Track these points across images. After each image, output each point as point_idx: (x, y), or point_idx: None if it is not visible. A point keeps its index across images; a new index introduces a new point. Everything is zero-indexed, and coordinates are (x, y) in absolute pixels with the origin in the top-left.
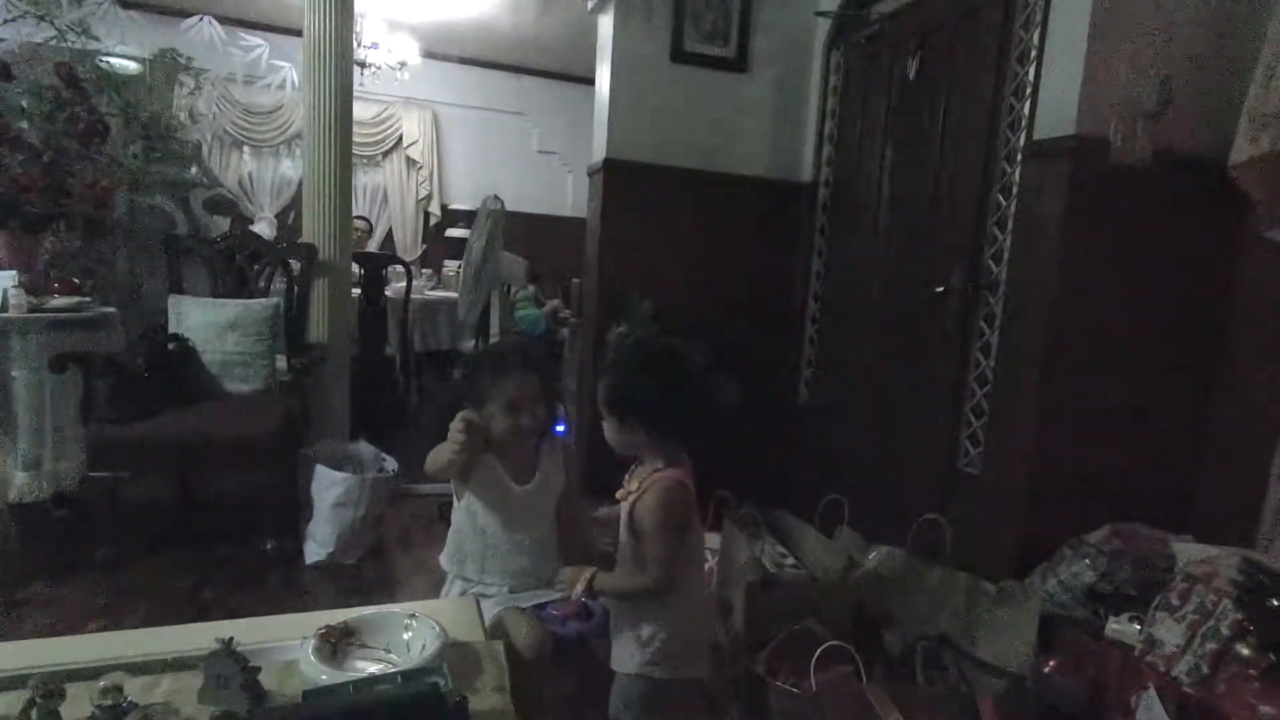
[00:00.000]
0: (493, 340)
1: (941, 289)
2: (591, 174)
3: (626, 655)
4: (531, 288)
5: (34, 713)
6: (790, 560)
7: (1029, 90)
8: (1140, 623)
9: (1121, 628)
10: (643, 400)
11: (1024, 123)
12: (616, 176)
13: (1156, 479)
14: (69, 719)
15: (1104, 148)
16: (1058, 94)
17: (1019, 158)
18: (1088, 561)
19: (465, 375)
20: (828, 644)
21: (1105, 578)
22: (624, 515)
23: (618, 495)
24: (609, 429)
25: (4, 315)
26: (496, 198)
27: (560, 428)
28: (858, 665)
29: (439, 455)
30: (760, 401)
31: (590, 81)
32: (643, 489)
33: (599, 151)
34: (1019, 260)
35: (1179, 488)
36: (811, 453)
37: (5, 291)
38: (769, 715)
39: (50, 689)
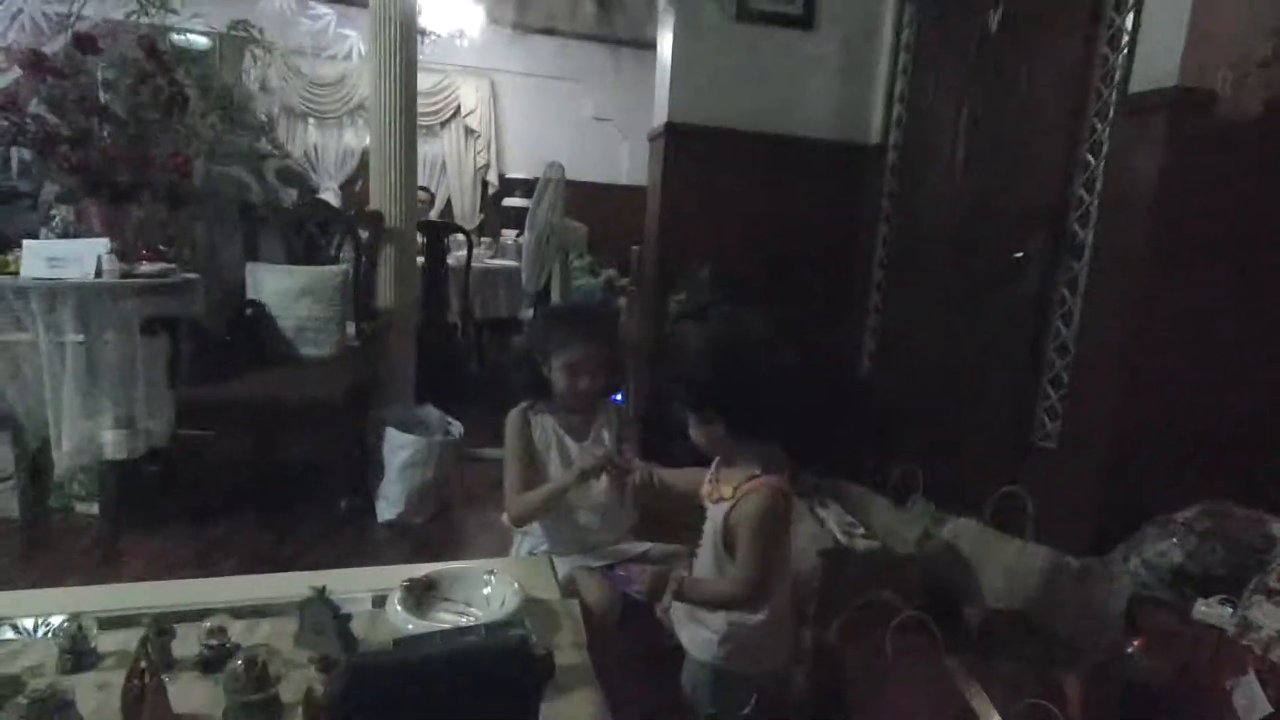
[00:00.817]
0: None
1: (1020, 255)
2: (652, 139)
3: (703, 642)
4: (588, 257)
5: (149, 648)
6: (860, 530)
7: (1126, 39)
8: (1233, 605)
9: (1211, 609)
10: (740, 402)
11: (1119, 75)
12: (678, 140)
13: (1250, 456)
14: (179, 655)
15: (1210, 100)
16: (1158, 43)
17: (1111, 114)
18: (1175, 540)
19: (535, 331)
20: (904, 614)
21: (1193, 558)
22: (715, 521)
23: (704, 493)
24: (697, 429)
25: (100, 281)
26: (558, 165)
27: (618, 396)
28: (935, 638)
29: (535, 498)
30: (821, 372)
31: (645, 46)
32: (740, 495)
33: (660, 115)
34: (1107, 224)
35: (1277, 465)
36: (874, 425)
37: (100, 258)
38: (843, 687)
39: (162, 628)
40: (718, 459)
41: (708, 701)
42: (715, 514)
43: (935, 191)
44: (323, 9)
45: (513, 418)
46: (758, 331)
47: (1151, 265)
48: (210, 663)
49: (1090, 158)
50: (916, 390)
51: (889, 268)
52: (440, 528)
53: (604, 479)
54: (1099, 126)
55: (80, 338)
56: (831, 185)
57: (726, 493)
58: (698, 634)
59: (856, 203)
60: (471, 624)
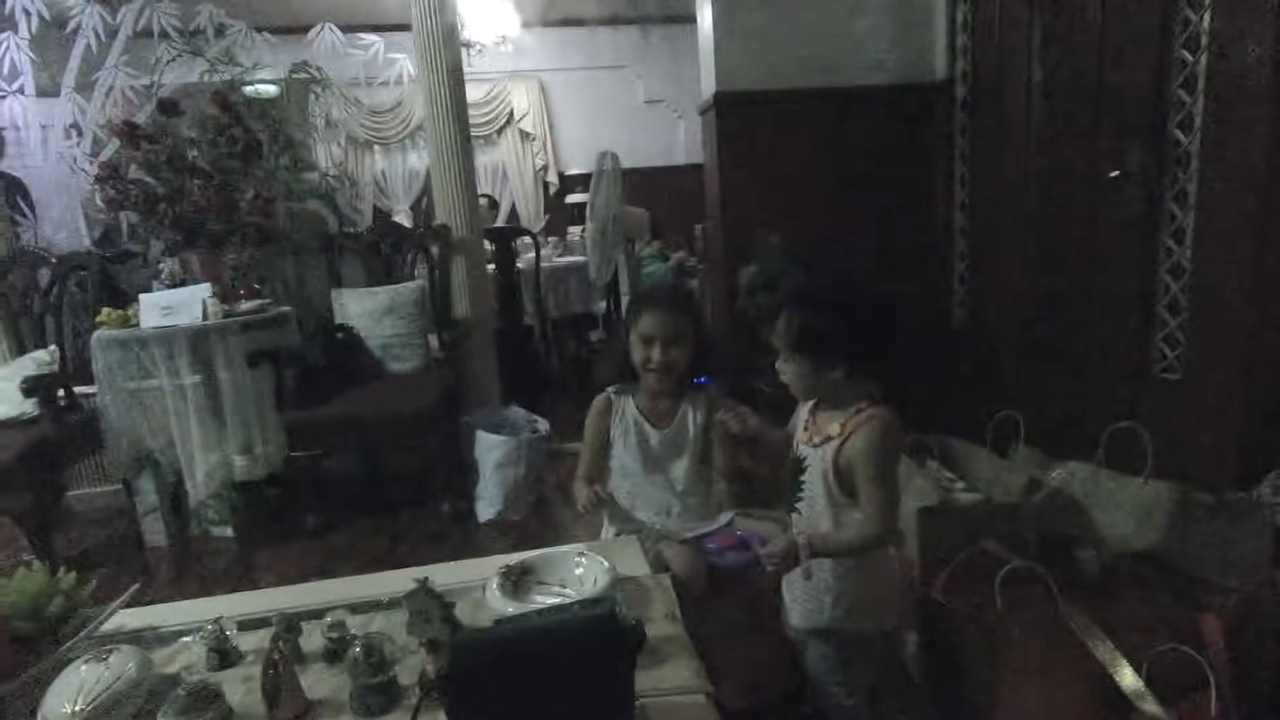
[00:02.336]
0: (624, 298)
1: (1116, 173)
2: (703, 113)
3: (813, 610)
4: (655, 243)
5: (280, 644)
6: (960, 484)
7: None
8: None
9: None
10: (843, 336)
11: None
12: (728, 110)
13: None
14: (307, 649)
15: None
16: None
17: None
18: None
19: (625, 313)
20: (1012, 564)
21: None
22: (822, 464)
23: (799, 439)
24: (794, 370)
25: (207, 323)
26: (611, 154)
27: (706, 379)
28: (1049, 587)
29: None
30: (909, 329)
31: (685, 20)
32: (849, 431)
33: (708, 87)
34: (1216, 125)
35: None
36: (971, 377)
37: (204, 302)
38: (951, 644)
39: (290, 625)
40: (810, 404)
41: (833, 669)
42: (821, 457)
43: (1014, 119)
44: (370, 37)
45: (596, 402)
46: (851, 276)
47: (1273, 165)
48: (334, 653)
49: (1187, 54)
50: (1013, 335)
51: (972, 209)
52: (537, 521)
53: (685, 459)
54: (1194, 16)
55: (198, 378)
56: (898, 132)
57: (833, 430)
58: (810, 602)
59: (928, 146)
60: (565, 602)
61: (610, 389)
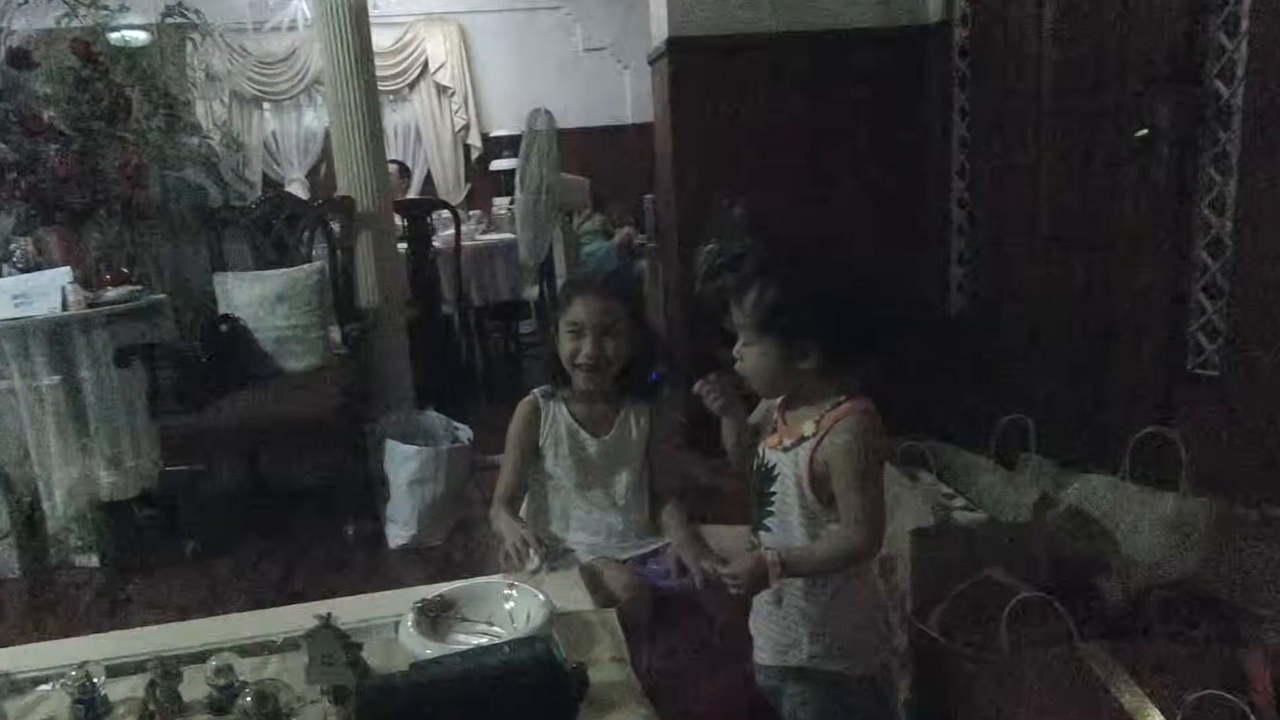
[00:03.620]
0: (559, 286)
1: (1143, 131)
2: (653, 61)
3: (787, 645)
4: (597, 217)
5: (156, 692)
6: (959, 501)
7: None
8: None
9: None
10: (820, 315)
11: None
12: (684, 58)
13: None
14: (188, 698)
15: None
16: None
17: None
18: None
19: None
20: (1022, 595)
21: None
22: (795, 469)
23: (768, 444)
24: (758, 358)
25: (67, 314)
26: (545, 111)
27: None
28: (1065, 622)
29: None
30: (899, 316)
31: None
32: (824, 430)
33: (659, 32)
34: (1263, 73)
35: None
36: (971, 373)
37: (64, 289)
38: (950, 689)
39: (168, 670)
40: (777, 403)
41: (813, 718)
42: (793, 462)
43: (1022, 69)
44: None
45: (521, 407)
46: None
47: None
48: (219, 703)
49: None
50: (1021, 323)
51: (972, 175)
52: (459, 548)
53: (628, 471)
54: None
55: (56, 378)
56: (884, 83)
57: (806, 430)
58: (783, 635)
59: (920, 100)
60: (493, 643)
61: (537, 391)
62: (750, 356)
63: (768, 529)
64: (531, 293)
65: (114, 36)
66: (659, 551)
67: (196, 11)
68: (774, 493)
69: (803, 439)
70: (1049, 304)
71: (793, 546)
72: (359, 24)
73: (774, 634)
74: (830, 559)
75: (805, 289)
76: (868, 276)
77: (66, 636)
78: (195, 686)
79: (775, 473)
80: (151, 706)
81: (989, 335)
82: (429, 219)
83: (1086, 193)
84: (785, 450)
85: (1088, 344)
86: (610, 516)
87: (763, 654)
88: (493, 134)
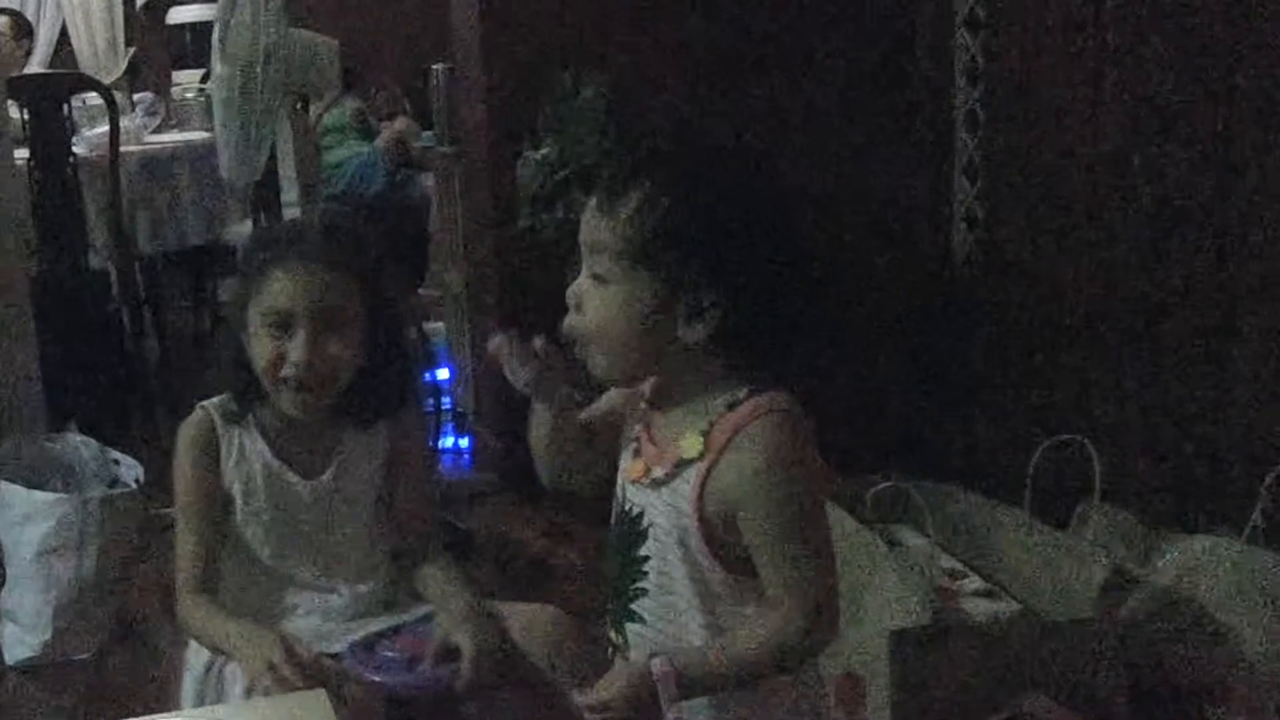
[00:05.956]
0: (289, 217)
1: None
2: None
3: None
4: (351, 103)
5: None
6: (972, 582)
7: None
8: None
9: None
10: (732, 244)
11: None
12: None
13: None
14: None
15: None
16: None
17: None
18: None
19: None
20: None
21: None
22: (674, 516)
23: (631, 477)
24: (619, 301)
25: None
26: None
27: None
28: None
29: (201, 621)
30: (877, 271)
31: None
32: (719, 447)
33: None
34: None
35: None
36: (986, 358)
37: None
38: None
39: None
40: (641, 409)
41: None
42: (669, 503)
43: None
44: None
45: (185, 432)
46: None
47: None
48: None
49: None
50: (1070, 285)
51: (988, 78)
52: (120, 660)
53: (359, 522)
54: None
55: None
56: None
57: (688, 448)
58: None
59: None
60: None
61: (211, 405)
62: (604, 300)
63: (639, 619)
64: (240, 231)
65: None
66: (402, 629)
67: None
68: (645, 557)
69: (683, 463)
70: (1106, 275)
71: (688, 648)
72: None
73: None
74: (755, 660)
75: (713, 198)
76: (814, 191)
77: None
78: None
79: (644, 524)
80: None
81: (1015, 296)
82: (67, 109)
83: (1158, 109)
84: (655, 485)
85: (1190, 325)
86: (333, 584)
87: None
88: None
